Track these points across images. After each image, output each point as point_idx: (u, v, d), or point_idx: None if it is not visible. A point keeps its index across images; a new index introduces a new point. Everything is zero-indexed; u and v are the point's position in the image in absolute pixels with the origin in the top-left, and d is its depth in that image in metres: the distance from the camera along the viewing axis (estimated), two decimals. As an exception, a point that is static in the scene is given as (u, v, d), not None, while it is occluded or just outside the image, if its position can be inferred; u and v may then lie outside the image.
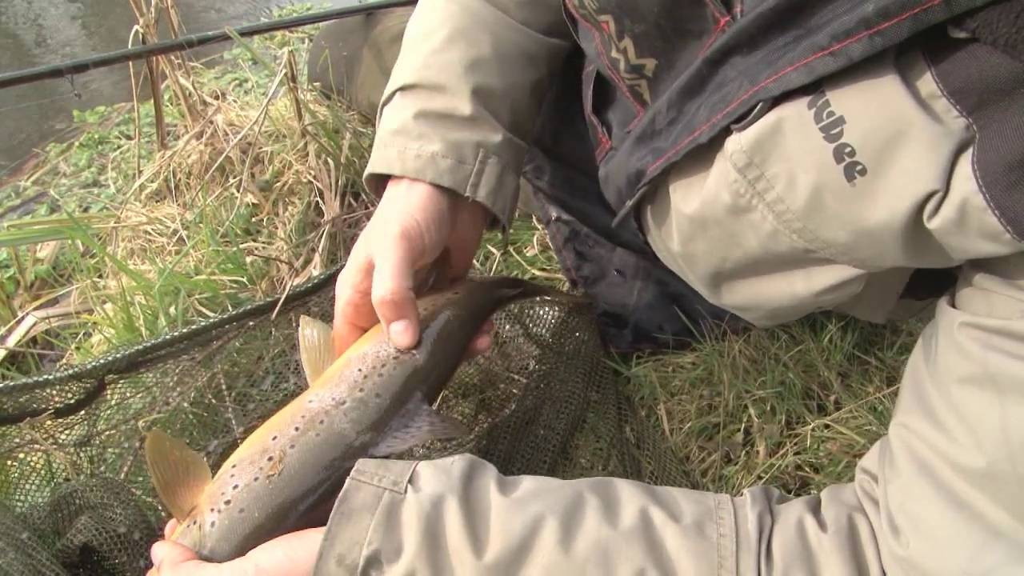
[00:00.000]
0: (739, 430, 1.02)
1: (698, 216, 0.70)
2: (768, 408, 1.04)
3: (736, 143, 0.61)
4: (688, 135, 0.67)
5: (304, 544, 0.65)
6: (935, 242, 0.56)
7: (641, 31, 0.73)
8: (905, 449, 0.62)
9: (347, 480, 0.67)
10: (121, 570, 0.80)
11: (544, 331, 1.13)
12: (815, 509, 0.69)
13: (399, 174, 0.86)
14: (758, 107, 0.59)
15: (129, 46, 1.29)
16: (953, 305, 0.62)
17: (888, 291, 0.79)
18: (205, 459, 0.78)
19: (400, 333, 0.81)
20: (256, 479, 0.72)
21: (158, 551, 0.69)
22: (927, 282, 0.75)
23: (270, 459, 0.73)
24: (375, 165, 0.89)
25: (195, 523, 0.71)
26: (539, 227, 1.34)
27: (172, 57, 1.35)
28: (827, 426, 1.01)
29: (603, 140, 0.95)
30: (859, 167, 0.56)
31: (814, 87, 0.56)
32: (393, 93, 0.92)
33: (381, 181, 0.91)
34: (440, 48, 0.89)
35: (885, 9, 0.50)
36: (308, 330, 0.89)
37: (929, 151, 0.52)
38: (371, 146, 1.49)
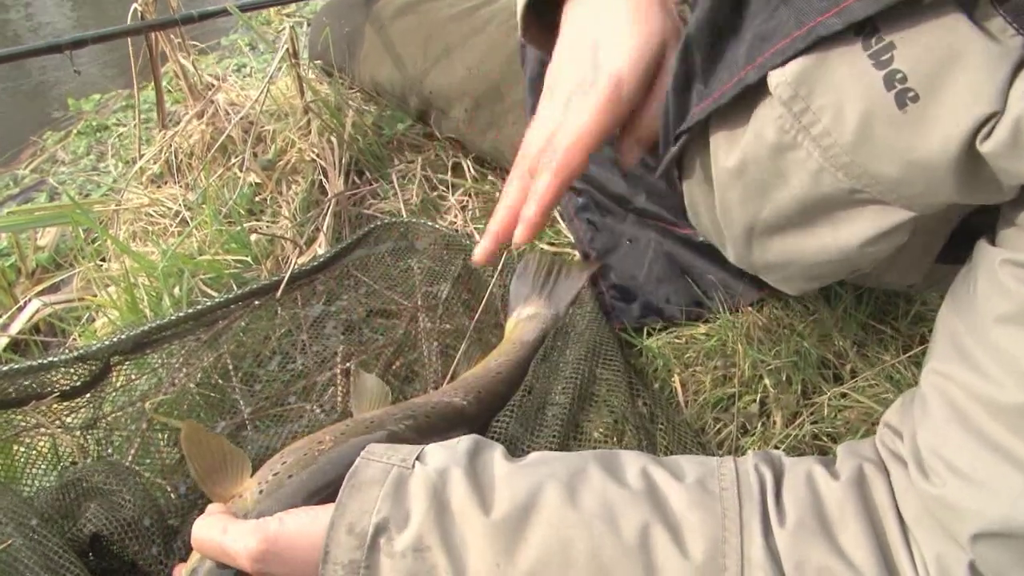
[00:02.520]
0: (755, 401, 1.01)
1: (739, 166, 0.67)
2: (784, 378, 1.02)
3: (781, 75, 0.59)
4: (731, 75, 0.64)
5: (328, 510, 0.66)
6: (988, 170, 0.54)
7: None
8: (938, 394, 0.61)
9: (357, 459, 0.68)
10: (131, 555, 0.79)
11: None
12: (827, 463, 0.68)
13: None
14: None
15: (128, 22, 1.27)
16: (994, 244, 0.60)
17: (927, 250, 0.76)
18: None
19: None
20: (306, 454, 0.76)
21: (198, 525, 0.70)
22: (962, 246, 0.72)
23: (320, 442, 0.77)
24: None
25: (241, 497, 0.73)
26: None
27: (172, 36, 1.33)
28: (844, 395, 1.00)
29: None
30: (911, 93, 0.53)
31: (869, 18, 0.54)
32: None
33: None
34: None
35: None
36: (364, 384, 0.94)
37: (985, 72, 0.50)
38: (374, 124, 1.49)
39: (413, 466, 0.67)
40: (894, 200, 0.60)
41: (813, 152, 0.60)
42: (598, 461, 0.69)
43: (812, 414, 0.99)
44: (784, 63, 0.59)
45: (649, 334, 1.10)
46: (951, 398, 0.59)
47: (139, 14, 1.26)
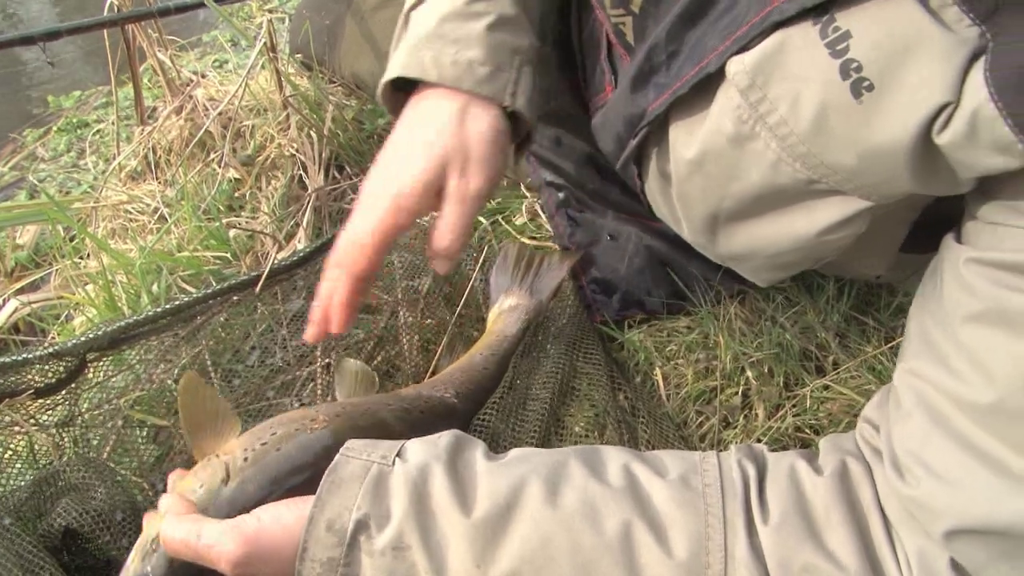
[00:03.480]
0: (737, 393, 1.01)
1: (698, 157, 0.68)
2: (766, 370, 1.02)
3: (739, 63, 0.59)
4: (693, 65, 0.65)
5: (307, 504, 0.65)
6: (944, 161, 0.54)
7: None
8: (911, 392, 0.60)
9: (336, 456, 0.67)
10: (105, 550, 0.78)
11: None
12: (810, 457, 0.68)
13: (435, 80, 0.79)
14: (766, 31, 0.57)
15: (104, 14, 1.26)
16: (959, 240, 0.59)
17: (890, 239, 0.77)
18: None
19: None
20: (297, 429, 0.76)
21: (163, 502, 0.70)
22: (928, 235, 0.72)
23: (313, 419, 0.77)
24: (408, 67, 0.81)
25: (219, 458, 0.73)
26: (528, 195, 1.31)
27: (150, 31, 1.31)
28: (826, 387, 1.00)
29: (608, 87, 0.92)
30: (866, 83, 0.54)
31: (821, 4, 0.54)
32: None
33: (398, 95, 0.85)
34: None
35: None
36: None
37: (940, 62, 0.50)
38: (354, 119, 1.48)
39: (393, 463, 0.66)
40: (851, 190, 0.60)
41: (771, 143, 0.60)
42: (579, 458, 0.68)
43: (794, 406, 0.99)
44: (743, 50, 0.59)
45: (630, 327, 1.10)
46: (923, 396, 0.59)
47: (115, 7, 1.24)
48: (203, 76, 1.46)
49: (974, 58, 0.50)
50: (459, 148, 0.77)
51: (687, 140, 0.69)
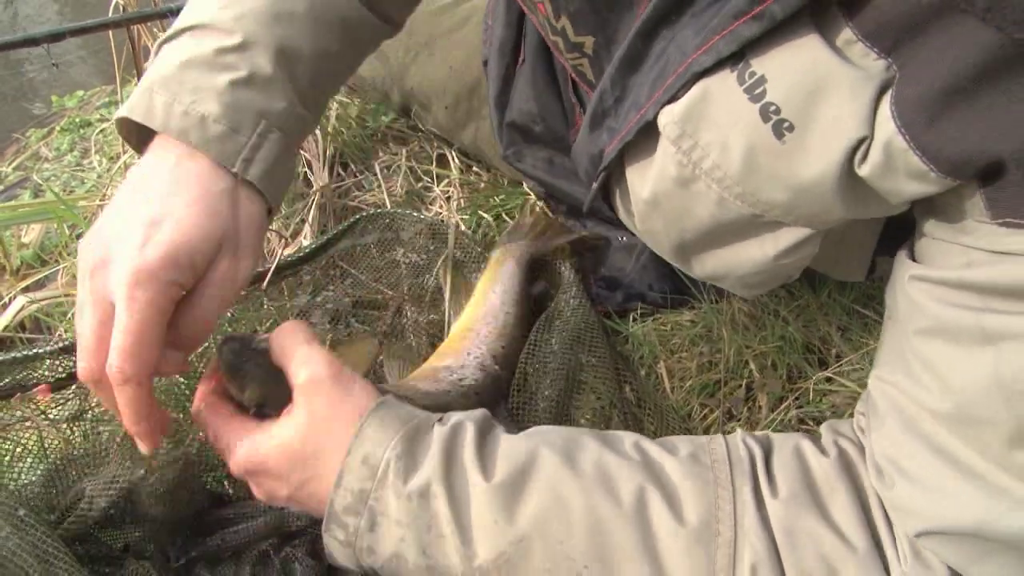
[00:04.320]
0: (740, 386, 1.02)
1: (652, 197, 0.70)
2: (769, 363, 1.03)
3: (669, 115, 0.62)
4: (636, 112, 0.67)
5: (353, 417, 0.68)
6: (871, 190, 0.56)
7: (575, 8, 0.73)
8: (883, 398, 0.63)
9: (384, 397, 0.71)
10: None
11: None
12: (814, 439, 0.70)
13: (159, 129, 0.72)
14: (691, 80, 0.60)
15: (109, 15, 1.26)
16: (910, 254, 0.62)
17: (861, 248, 0.80)
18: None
19: (141, 436, 0.70)
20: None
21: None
22: (897, 240, 0.75)
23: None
24: (133, 109, 0.74)
25: None
26: (529, 192, 1.32)
27: (155, 30, 1.32)
28: (829, 379, 1.01)
29: (578, 119, 0.94)
30: (786, 124, 0.56)
31: (739, 52, 0.56)
32: (180, 32, 0.78)
33: (136, 129, 0.75)
34: None
35: None
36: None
37: (851, 98, 0.52)
38: (358, 116, 1.48)
39: (432, 421, 0.70)
40: (791, 221, 0.63)
41: (711, 184, 0.63)
42: (592, 433, 0.71)
43: (797, 398, 1.00)
44: (672, 99, 0.61)
45: (634, 321, 1.11)
46: (895, 402, 0.61)
47: (120, 7, 1.25)
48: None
49: (883, 91, 0.52)
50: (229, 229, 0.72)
51: (641, 182, 0.71)
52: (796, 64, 0.54)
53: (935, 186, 0.53)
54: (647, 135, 0.67)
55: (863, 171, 0.54)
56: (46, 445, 0.92)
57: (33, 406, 0.92)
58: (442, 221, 1.25)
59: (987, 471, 0.54)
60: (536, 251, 1.12)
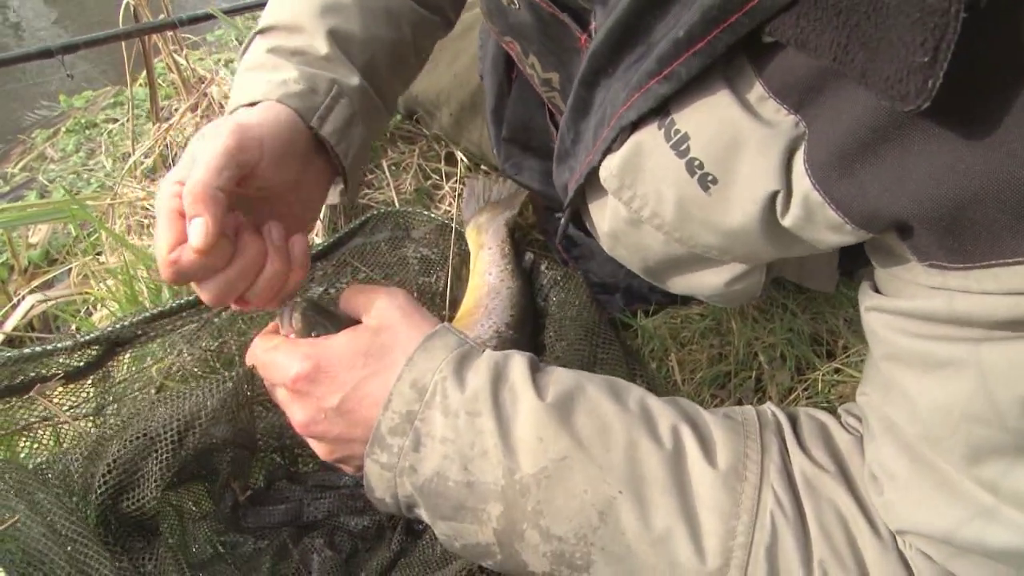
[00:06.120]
0: (750, 377, 1.03)
1: (611, 232, 0.73)
2: (778, 355, 1.04)
3: (607, 169, 0.65)
4: (587, 155, 0.70)
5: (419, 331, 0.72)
6: (795, 237, 0.58)
7: (536, 48, 0.76)
8: (871, 413, 0.65)
9: (434, 328, 0.73)
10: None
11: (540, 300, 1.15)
12: (837, 417, 0.73)
13: (249, 99, 0.79)
14: (622, 133, 0.62)
15: (120, 24, 1.28)
16: (873, 284, 0.63)
17: (827, 264, 0.84)
18: None
19: (194, 231, 0.66)
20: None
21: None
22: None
23: None
24: (229, 104, 0.83)
25: None
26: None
27: (163, 35, 1.33)
28: (837, 370, 1.02)
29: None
30: (710, 177, 0.58)
31: (662, 108, 0.58)
32: (252, 38, 0.88)
33: None
34: None
35: (691, 32, 0.52)
36: None
37: (759, 154, 0.54)
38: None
39: (482, 349, 0.73)
40: (730, 260, 0.66)
41: (653, 229, 0.66)
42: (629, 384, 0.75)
43: (806, 389, 1.01)
44: (610, 148, 0.64)
45: (645, 315, 1.12)
46: (879, 416, 0.64)
47: (132, 12, 1.26)
48: (215, 74, 1.48)
49: (795, 146, 0.53)
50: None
51: (600, 217, 0.74)
52: (712, 121, 0.56)
53: (852, 237, 0.54)
54: (597, 179, 0.69)
55: (786, 222, 0.56)
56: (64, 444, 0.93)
57: (53, 402, 0.93)
58: (451, 219, 1.27)
59: (957, 482, 0.56)
60: (507, 220, 1.17)
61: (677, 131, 0.58)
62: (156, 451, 0.80)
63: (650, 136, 0.61)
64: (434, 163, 1.46)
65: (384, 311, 0.75)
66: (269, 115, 0.76)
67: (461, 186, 1.42)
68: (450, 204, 1.40)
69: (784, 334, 1.04)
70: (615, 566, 0.65)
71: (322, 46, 0.84)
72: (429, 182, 1.45)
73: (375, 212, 1.27)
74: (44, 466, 0.84)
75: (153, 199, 1.35)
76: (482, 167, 1.43)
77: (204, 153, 0.68)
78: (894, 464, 0.61)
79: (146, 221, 1.37)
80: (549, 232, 1.26)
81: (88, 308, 1.29)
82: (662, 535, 0.64)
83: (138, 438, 0.80)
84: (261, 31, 0.87)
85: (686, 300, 1.13)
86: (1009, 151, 0.43)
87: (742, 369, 1.04)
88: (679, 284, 0.78)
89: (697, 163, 0.58)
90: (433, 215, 1.27)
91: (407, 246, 1.25)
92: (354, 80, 0.84)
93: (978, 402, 0.52)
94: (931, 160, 0.46)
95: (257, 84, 0.79)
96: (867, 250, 0.61)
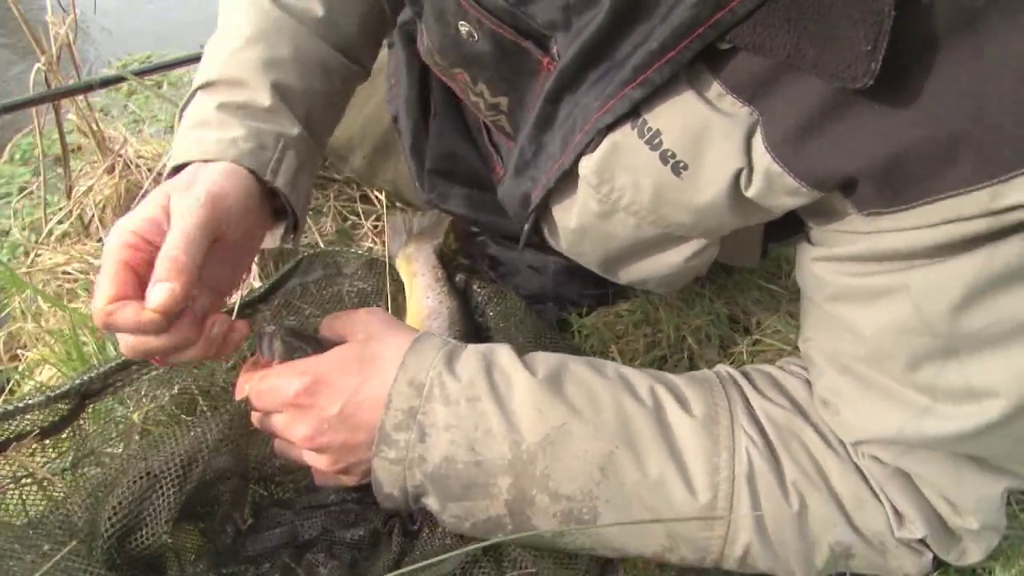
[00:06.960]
0: (683, 358, 1.15)
1: (578, 227, 0.83)
2: (704, 336, 1.17)
3: (586, 167, 0.75)
4: (554, 163, 0.79)
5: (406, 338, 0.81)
6: (756, 205, 0.70)
7: (487, 77, 0.85)
8: (816, 353, 0.78)
9: (418, 335, 0.82)
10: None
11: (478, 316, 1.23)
12: (780, 367, 0.87)
13: (199, 158, 0.82)
14: (597, 135, 0.73)
15: (31, 89, 1.28)
16: (809, 240, 0.77)
17: (752, 242, 0.98)
18: None
19: (160, 295, 0.69)
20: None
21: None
22: (780, 230, 0.90)
23: None
24: (174, 158, 0.85)
25: None
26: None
27: (79, 100, 1.35)
28: (756, 342, 1.16)
29: (496, 168, 1.06)
30: (681, 164, 0.69)
31: (633, 111, 0.69)
32: (193, 93, 0.92)
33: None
34: (241, 48, 0.91)
35: (663, 44, 0.63)
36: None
37: (726, 140, 0.66)
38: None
39: (464, 344, 0.82)
40: (695, 235, 0.78)
41: (628, 216, 0.77)
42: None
43: (733, 362, 1.14)
44: (586, 148, 0.74)
45: (580, 315, 1.23)
46: (825, 353, 0.77)
47: (44, 78, 1.27)
48: (126, 139, 1.49)
49: (752, 131, 0.65)
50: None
51: (566, 216, 0.83)
52: (681, 118, 0.67)
53: (807, 198, 0.66)
54: (566, 181, 0.79)
55: (749, 193, 0.68)
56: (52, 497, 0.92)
57: (29, 458, 0.92)
58: (380, 254, 1.34)
59: (898, 392, 0.69)
60: (435, 247, 1.25)
61: (649, 128, 0.69)
62: (161, 488, 0.82)
63: (624, 136, 0.71)
64: (351, 204, 1.52)
65: (368, 324, 0.83)
66: (234, 181, 0.81)
67: (381, 223, 1.48)
68: (372, 241, 1.46)
69: (707, 317, 1.17)
70: (618, 514, 0.75)
71: (265, 99, 0.88)
72: (348, 223, 1.51)
73: (305, 254, 1.32)
74: (39, 518, 0.85)
75: (76, 262, 1.35)
76: (397, 204, 1.50)
77: (181, 220, 0.73)
78: (844, 387, 0.74)
79: (68, 287, 1.36)
80: (474, 255, 1.33)
81: (18, 377, 1.26)
82: (657, 480, 0.74)
83: (141, 477, 0.82)
84: (203, 86, 0.90)
85: (615, 299, 1.24)
86: (927, 114, 0.56)
87: (675, 352, 1.16)
88: (633, 272, 0.88)
89: (670, 153, 0.69)
90: (361, 252, 1.33)
91: (340, 283, 1.31)
92: (295, 130, 0.90)
93: (911, 318, 0.65)
94: (870, 126, 0.59)
95: (206, 143, 0.83)
96: (805, 215, 0.74)
